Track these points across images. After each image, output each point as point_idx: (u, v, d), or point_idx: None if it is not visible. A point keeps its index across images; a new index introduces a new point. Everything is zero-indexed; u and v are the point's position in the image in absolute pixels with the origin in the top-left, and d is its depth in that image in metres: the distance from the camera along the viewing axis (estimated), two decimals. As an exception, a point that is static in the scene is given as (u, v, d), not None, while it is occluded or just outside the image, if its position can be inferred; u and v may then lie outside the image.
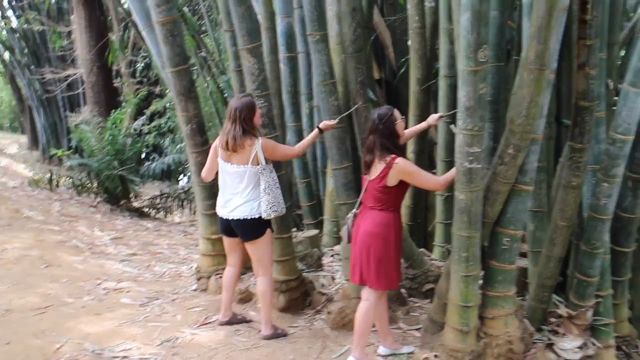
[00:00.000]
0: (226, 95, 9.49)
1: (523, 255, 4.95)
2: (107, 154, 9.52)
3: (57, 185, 9.97)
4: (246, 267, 4.77)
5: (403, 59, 6.19)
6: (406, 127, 4.53)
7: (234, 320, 4.53)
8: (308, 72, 6.06)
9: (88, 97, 12.94)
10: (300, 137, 6.23)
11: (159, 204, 10.48)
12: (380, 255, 3.84)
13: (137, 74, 14.81)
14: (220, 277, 5.11)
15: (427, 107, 5.70)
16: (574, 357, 4.12)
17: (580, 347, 4.26)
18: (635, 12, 6.36)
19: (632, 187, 4.42)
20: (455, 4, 4.38)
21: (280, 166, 4.55)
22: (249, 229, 4.18)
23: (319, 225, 6.24)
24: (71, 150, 11.68)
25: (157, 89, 14.94)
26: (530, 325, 4.27)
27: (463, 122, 3.57)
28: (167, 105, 13.40)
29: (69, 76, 14.58)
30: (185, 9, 9.20)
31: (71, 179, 9.96)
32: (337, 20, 4.70)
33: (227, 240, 4.41)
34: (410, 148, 5.86)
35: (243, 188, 4.12)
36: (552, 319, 4.50)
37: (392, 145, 3.82)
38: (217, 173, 4.33)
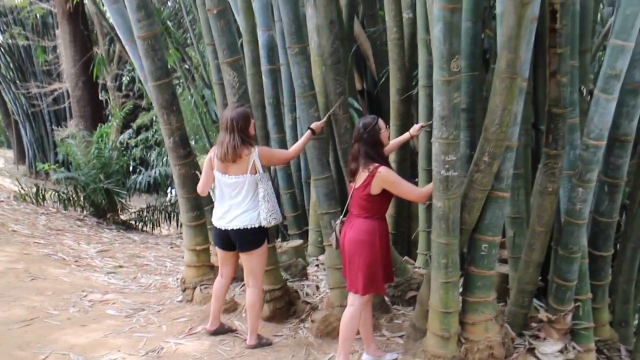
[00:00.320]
0: (208, 109, 9.55)
1: (504, 261, 5.05)
2: (93, 168, 9.55)
3: (44, 199, 9.96)
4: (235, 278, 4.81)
5: (384, 70, 6.28)
6: (388, 137, 4.64)
7: (222, 330, 4.56)
8: (290, 84, 6.14)
9: (74, 111, 12.99)
10: (283, 147, 6.31)
11: (146, 216, 10.51)
12: (365, 262, 3.91)
13: (123, 88, 14.86)
14: (206, 287, 5.17)
15: (407, 116, 5.79)
16: (555, 361, 4.21)
17: (560, 351, 4.33)
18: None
19: (608, 191, 4.52)
20: (432, 15, 4.48)
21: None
22: (248, 238, 4.20)
23: (303, 235, 6.30)
24: (57, 165, 11.69)
25: (144, 103, 14.99)
26: (511, 330, 4.34)
27: (438, 130, 3.66)
28: (154, 118, 13.46)
29: (54, 90, 14.62)
30: (169, 22, 9.23)
31: (57, 193, 9.96)
32: (317, 33, 4.78)
33: (222, 253, 4.42)
34: (392, 157, 5.94)
35: (242, 198, 4.15)
36: (533, 324, 4.57)
37: (376, 153, 3.91)
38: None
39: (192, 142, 11.88)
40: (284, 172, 6.35)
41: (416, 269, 5.38)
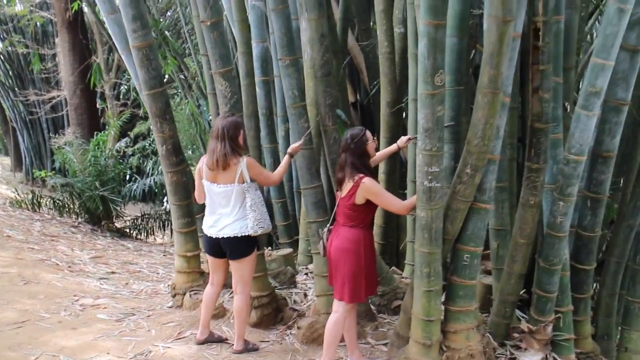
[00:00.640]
0: (201, 118, 9.68)
1: (488, 272, 5.16)
2: (89, 175, 9.66)
3: (39, 206, 10.06)
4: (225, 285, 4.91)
5: (376, 82, 6.41)
6: (378, 149, 4.76)
7: (211, 339, 4.61)
8: (283, 96, 6.26)
9: (71, 119, 13.13)
10: (276, 157, 6.44)
11: (140, 224, 10.60)
12: (349, 270, 4.02)
13: (121, 97, 15.00)
14: (195, 293, 5.26)
15: (397, 129, 5.91)
16: (535, 371, 4.31)
17: (540, 361, 4.45)
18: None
19: (591, 206, 4.64)
20: (420, 30, 4.62)
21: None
22: (238, 247, 4.29)
23: (294, 244, 6.40)
24: (54, 172, 11.80)
25: (141, 112, 15.14)
26: (493, 340, 4.45)
27: (422, 142, 3.78)
28: (151, 127, 13.56)
29: (52, 98, 14.75)
30: (168, 32, 9.38)
31: (52, 200, 10.07)
32: (309, 46, 4.91)
33: (212, 260, 4.49)
34: (382, 168, 6.07)
35: (232, 207, 4.24)
36: (515, 334, 4.68)
37: (362, 164, 4.02)
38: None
39: (190, 152, 11.98)
40: (276, 181, 6.46)
41: (403, 279, 5.48)
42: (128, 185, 10.41)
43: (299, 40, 5.15)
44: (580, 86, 5.78)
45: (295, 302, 5.29)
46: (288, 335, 4.80)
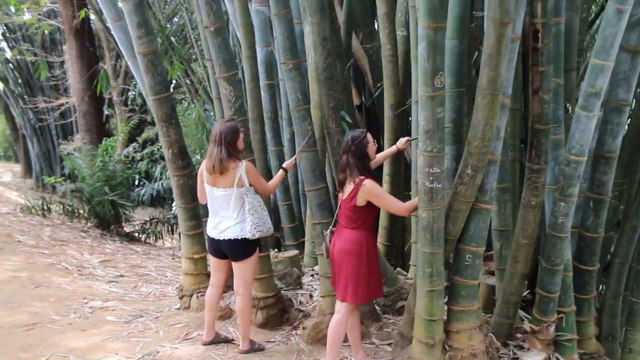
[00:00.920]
0: (208, 123, 9.78)
1: (492, 273, 5.20)
2: (97, 180, 9.78)
3: (49, 212, 10.19)
4: (227, 285, 4.98)
5: (380, 85, 6.48)
6: (380, 151, 4.82)
7: (217, 340, 4.69)
8: (288, 99, 6.34)
9: (79, 125, 13.28)
10: (281, 160, 6.50)
11: (149, 228, 10.70)
12: (351, 271, 4.08)
13: (129, 102, 15.14)
14: (202, 295, 5.33)
15: (400, 131, 5.97)
16: (537, 370, 4.34)
17: (543, 361, 4.49)
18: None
19: (593, 207, 4.68)
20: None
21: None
22: (239, 249, 4.37)
23: (300, 246, 6.47)
24: (63, 178, 11.93)
25: (149, 117, 15.28)
26: (496, 340, 4.48)
27: (423, 144, 3.83)
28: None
29: (61, 105, 14.91)
30: (174, 38, 9.50)
31: (62, 205, 10.19)
32: (312, 49, 4.98)
33: (214, 261, 4.58)
34: (386, 170, 6.13)
35: (232, 210, 4.32)
36: (518, 334, 4.71)
37: (362, 166, 4.08)
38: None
39: (198, 156, 12.07)
40: (282, 184, 6.52)
41: (407, 280, 5.53)
42: (137, 189, 10.51)
43: (301, 44, 5.23)
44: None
45: (301, 302, 5.35)
46: (294, 335, 4.86)
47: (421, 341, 4.07)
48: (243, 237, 4.33)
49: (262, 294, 4.97)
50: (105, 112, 12.54)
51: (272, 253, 6.10)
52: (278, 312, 5.04)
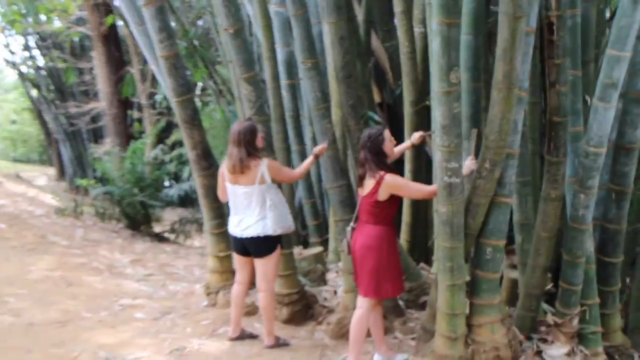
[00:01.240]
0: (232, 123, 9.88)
1: (514, 267, 5.18)
2: (127, 182, 9.94)
3: (81, 213, 10.39)
4: (252, 282, 5.03)
5: (400, 82, 6.48)
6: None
7: (243, 336, 4.74)
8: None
9: (109, 129, 13.49)
10: (304, 159, 6.53)
11: (178, 228, 10.83)
12: (373, 266, 4.09)
13: (157, 105, 15.32)
14: (228, 292, 5.39)
15: (421, 127, 5.91)
16: (561, 363, 4.31)
17: (567, 354, 4.45)
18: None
19: (615, 199, 4.64)
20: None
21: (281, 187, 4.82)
22: (261, 246, 4.42)
23: (324, 243, 6.51)
24: (95, 180, 12.12)
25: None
26: (519, 333, 4.46)
27: (440, 139, 3.84)
28: (186, 134, 13.80)
29: (92, 109, 15.16)
30: (197, 41, 9.61)
31: (94, 207, 10.39)
32: (330, 48, 5.02)
33: (238, 258, 4.64)
34: (407, 167, 6.13)
35: (253, 207, 4.36)
36: (542, 328, 4.69)
37: (380, 162, 4.09)
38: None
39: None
40: (305, 182, 6.57)
41: (430, 275, 5.53)
42: (165, 190, 10.65)
43: (320, 44, 5.27)
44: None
45: (325, 299, 5.39)
46: (318, 331, 4.90)
47: (443, 335, 4.08)
48: (265, 234, 4.37)
49: (286, 291, 5.02)
50: (129, 115, 12.65)
51: (297, 250, 6.16)
52: (302, 308, 5.09)
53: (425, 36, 5.69)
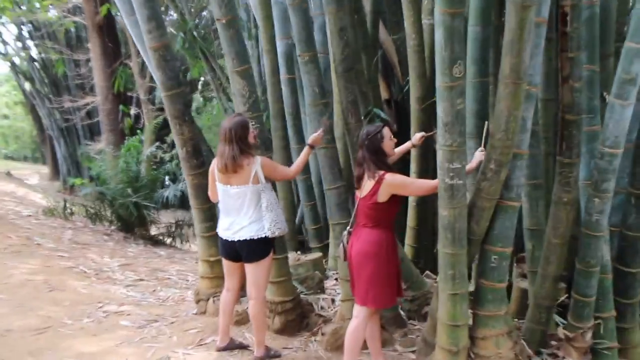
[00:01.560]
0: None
1: (525, 276, 5.13)
2: (120, 182, 9.98)
3: (71, 214, 10.44)
4: (243, 289, 5.02)
5: (409, 77, 6.44)
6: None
7: (232, 346, 4.72)
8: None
9: (103, 125, 13.49)
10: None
11: (174, 232, 10.85)
12: (370, 274, 4.06)
13: (157, 101, 15.40)
14: (219, 299, 5.39)
15: (428, 126, 5.92)
16: (572, 381, 4.27)
17: (579, 371, 4.42)
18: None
19: (635, 204, 4.58)
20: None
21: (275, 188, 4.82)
22: (254, 249, 4.38)
23: (324, 248, 6.48)
24: (90, 179, 12.20)
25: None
26: (528, 348, 4.43)
27: (442, 138, 3.81)
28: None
29: (87, 104, 15.24)
30: (195, 33, 9.60)
31: (85, 208, 10.43)
32: (330, 40, 5.00)
33: (227, 264, 4.60)
34: (413, 168, 6.10)
35: (247, 209, 4.34)
36: (553, 342, 4.65)
37: (379, 161, 4.07)
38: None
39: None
40: (305, 183, 6.56)
41: (435, 283, 5.49)
42: (160, 191, 10.66)
43: (321, 36, 5.25)
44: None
45: (322, 308, 5.37)
46: (312, 342, 4.88)
47: (444, 348, 4.05)
48: (260, 236, 4.34)
49: (279, 298, 5.00)
50: (121, 110, 12.65)
51: (294, 255, 6.15)
52: (297, 318, 5.07)
53: (433, 28, 5.65)
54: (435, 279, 5.77)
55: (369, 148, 4.07)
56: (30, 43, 18.69)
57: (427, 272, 5.84)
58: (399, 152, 4.54)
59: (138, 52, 13.94)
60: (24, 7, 14.41)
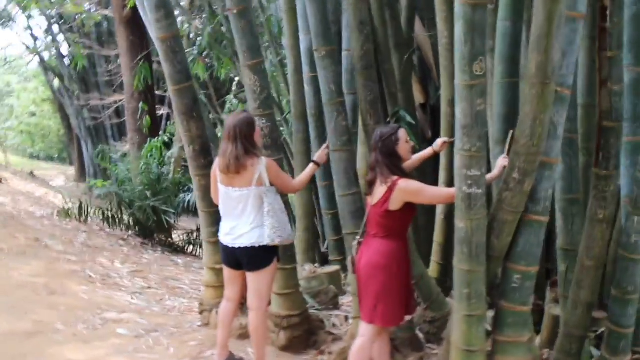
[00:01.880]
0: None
1: (557, 301, 4.97)
2: (140, 184, 10.08)
3: (87, 217, 10.58)
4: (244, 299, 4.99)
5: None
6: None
7: None
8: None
9: (129, 124, 13.58)
10: (326, 164, 6.48)
11: (195, 239, 10.87)
12: (380, 289, 3.99)
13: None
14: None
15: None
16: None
17: (612, 410, 4.24)
18: None
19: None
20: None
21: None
22: (255, 257, 4.34)
23: (345, 261, 6.39)
24: (110, 182, 12.34)
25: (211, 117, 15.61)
26: (555, 381, 4.28)
27: (460, 141, 3.71)
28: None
29: (115, 102, 15.47)
30: (223, 28, 9.68)
31: (101, 211, 10.56)
32: (350, 34, 4.95)
33: (228, 272, 4.57)
34: (442, 176, 5.99)
35: (249, 213, 4.30)
36: (585, 377, 4.49)
37: (393, 165, 3.98)
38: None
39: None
40: (326, 190, 6.47)
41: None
42: (182, 195, 10.71)
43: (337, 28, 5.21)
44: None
45: (334, 325, 5.30)
46: (319, 361, 4.82)
47: (458, 376, 3.93)
48: (260, 244, 4.31)
49: (285, 312, 4.95)
50: (141, 108, 12.73)
51: (311, 267, 6.11)
52: (303, 334, 5.02)
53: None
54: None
55: (383, 151, 4.00)
56: (60, 38, 19.15)
57: (453, 291, 5.70)
58: (419, 158, 4.45)
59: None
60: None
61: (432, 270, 5.89)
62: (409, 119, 6.28)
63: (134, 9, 12.35)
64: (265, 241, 4.28)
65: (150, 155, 10.45)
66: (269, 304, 4.92)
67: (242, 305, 4.79)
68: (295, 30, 6.19)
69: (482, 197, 3.73)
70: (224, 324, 4.65)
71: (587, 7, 4.06)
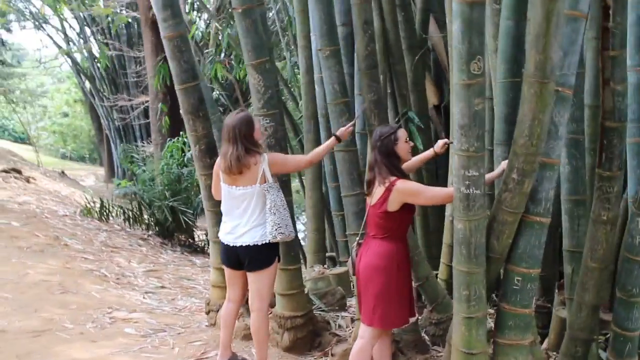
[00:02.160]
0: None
1: (564, 303, 4.87)
2: (160, 184, 10.14)
3: (108, 216, 10.67)
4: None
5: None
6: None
7: None
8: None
9: (152, 125, 13.73)
10: (336, 164, 6.44)
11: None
12: (379, 290, 3.95)
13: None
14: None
15: (469, 132, 5.73)
16: None
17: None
18: None
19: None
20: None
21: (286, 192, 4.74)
22: (257, 256, 4.32)
23: (354, 263, 6.36)
24: (132, 182, 12.45)
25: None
26: (559, 385, 4.19)
27: (458, 141, 3.64)
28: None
29: (142, 103, 15.61)
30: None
31: (122, 210, 10.65)
32: (354, 34, 4.91)
33: (229, 272, 4.55)
34: (450, 180, 5.90)
35: (251, 211, 4.28)
36: (591, 380, 4.38)
37: (391, 165, 3.94)
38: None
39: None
40: (336, 191, 6.42)
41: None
42: (200, 196, 10.74)
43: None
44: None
45: (339, 326, 5.26)
46: (323, 362, 4.78)
47: (458, 379, 3.86)
48: (263, 242, 4.28)
49: (289, 313, 4.91)
50: (160, 108, 12.81)
51: (319, 268, 6.07)
52: (307, 335, 4.97)
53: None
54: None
55: (381, 150, 3.96)
56: (91, 40, 19.40)
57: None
58: (419, 159, 4.40)
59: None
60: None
61: (442, 272, 5.81)
62: (416, 120, 6.24)
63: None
64: (267, 238, 4.26)
65: (171, 156, 10.49)
66: (272, 304, 4.91)
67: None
68: (307, 31, 6.17)
69: (480, 197, 3.66)
70: (226, 325, 4.63)
71: (595, 8, 4.01)
